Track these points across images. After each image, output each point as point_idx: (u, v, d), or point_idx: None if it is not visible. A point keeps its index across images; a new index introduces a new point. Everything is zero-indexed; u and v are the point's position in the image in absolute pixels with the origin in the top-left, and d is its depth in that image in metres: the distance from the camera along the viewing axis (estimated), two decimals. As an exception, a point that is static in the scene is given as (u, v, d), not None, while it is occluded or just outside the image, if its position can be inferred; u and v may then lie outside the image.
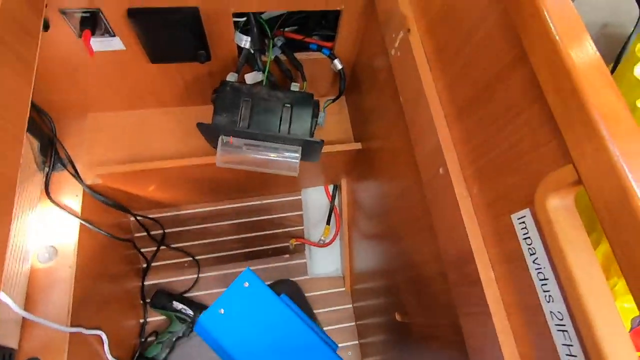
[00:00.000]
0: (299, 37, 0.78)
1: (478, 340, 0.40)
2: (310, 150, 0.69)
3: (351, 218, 1.08)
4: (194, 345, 1.05)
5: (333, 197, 1.12)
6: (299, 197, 1.16)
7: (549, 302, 0.31)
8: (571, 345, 0.29)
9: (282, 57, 0.77)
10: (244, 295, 0.58)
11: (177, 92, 0.84)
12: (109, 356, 0.83)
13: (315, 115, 0.69)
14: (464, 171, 0.42)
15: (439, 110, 0.45)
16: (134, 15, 0.60)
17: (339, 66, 0.79)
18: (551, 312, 0.31)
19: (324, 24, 0.79)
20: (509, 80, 0.34)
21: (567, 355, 0.29)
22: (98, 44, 0.66)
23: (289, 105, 0.68)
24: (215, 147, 0.76)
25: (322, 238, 1.09)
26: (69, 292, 0.71)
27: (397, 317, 0.73)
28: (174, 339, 1.02)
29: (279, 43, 0.76)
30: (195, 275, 1.11)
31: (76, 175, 0.77)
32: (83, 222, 0.77)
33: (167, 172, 0.82)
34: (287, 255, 1.18)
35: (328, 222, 1.11)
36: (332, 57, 0.78)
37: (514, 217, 0.34)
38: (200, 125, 0.65)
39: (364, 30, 0.72)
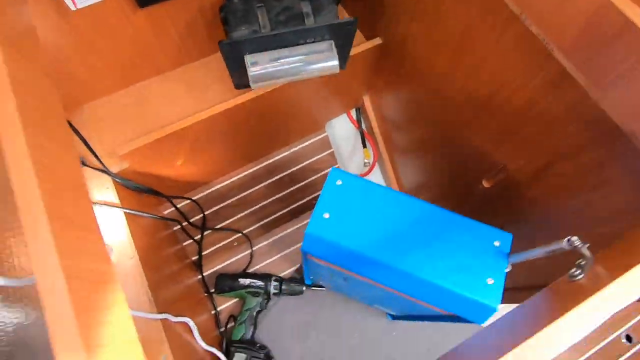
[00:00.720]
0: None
1: (634, 100, 0.36)
2: (344, 37, 0.62)
3: (386, 136, 1.03)
4: (277, 313, 1.00)
5: (359, 122, 1.06)
6: (325, 134, 1.10)
7: None
8: None
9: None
10: (342, 193, 0.52)
11: (171, 48, 0.76)
12: (202, 343, 0.77)
13: (337, 1, 0.62)
14: None
15: None
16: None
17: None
18: None
19: None
20: None
21: None
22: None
23: (306, -3, 0.61)
24: (238, 82, 0.69)
25: (366, 161, 1.03)
26: (141, 281, 0.64)
27: (485, 184, 0.69)
28: (254, 314, 0.96)
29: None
30: (249, 250, 1.05)
31: (102, 165, 0.69)
32: (127, 211, 0.69)
33: (192, 133, 0.75)
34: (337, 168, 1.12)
35: (364, 146, 1.05)
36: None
37: None
38: (222, 43, 0.58)
39: None
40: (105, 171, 0.69)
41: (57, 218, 0.27)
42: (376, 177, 1.11)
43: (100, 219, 0.68)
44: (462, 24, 0.55)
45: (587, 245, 0.31)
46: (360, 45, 0.80)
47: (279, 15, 0.60)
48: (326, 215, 0.51)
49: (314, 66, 0.63)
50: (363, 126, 1.08)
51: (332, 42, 0.62)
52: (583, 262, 0.31)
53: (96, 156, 0.68)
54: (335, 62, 0.63)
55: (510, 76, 0.51)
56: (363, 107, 1.05)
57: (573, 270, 0.32)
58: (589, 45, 0.38)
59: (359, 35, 0.86)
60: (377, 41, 0.80)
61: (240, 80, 0.68)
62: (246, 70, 0.62)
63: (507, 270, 0.47)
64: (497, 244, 0.49)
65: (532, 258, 0.41)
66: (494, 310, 0.47)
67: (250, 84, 0.62)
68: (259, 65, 0.61)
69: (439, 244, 0.49)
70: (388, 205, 0.51)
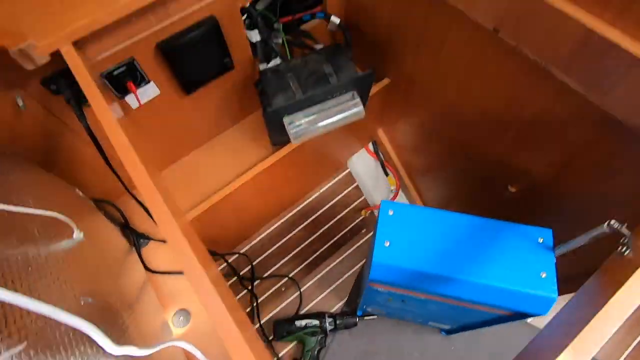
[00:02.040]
0: (289, 18, 0.82)
1: (632, 100, 0.44)
2: (364, 86, 0.72)
3: (404, 161, 1.11)
4: (337, 348, 1.03)
5: (377, 153, 1.15)
6: (347, 170, 1.18)
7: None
8: None
9: (289, 37, 0.82)
10: (396, 221, 0.59)
11: (210, 120, 0.86)
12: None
13: (351, 57, 0.73)
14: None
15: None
16: (163, 46, 0.63)
17: (337, 20, 0.83)
18: None
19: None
20: None
21: None
22: (138, 96, 0.68)
23: (326, 60, 0.71)
24: (276, 141, 0.79)
25: (392, 188, 1.11)
26: (217, 340, 0.69)
27: (512, 188, 0.75)
28: (316, 354, 1.00)
29: (281, 27, 0.80)
30: (297, 292, 1.10)
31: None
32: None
33: (238, 194, 0.83)
34: (364, 230, 1.19)
35: (386, 174, 1.13)
36: (327, 16, 0.83)
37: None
38: (266, 112, 0.67)
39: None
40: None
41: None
42: (402, 201, 1.18)
43: (171, 287, 0.74)
44: (466, 58, 0.65)
45: (625, 224, 0.38)
46: (372, 88, 0.90)
47: (308, 79, 0.70)
48: (387, 244, 0.57)
49: (343, 115, 0.72)
50: (381, 156, 1.16)
51: (354, 92, 0.72)
52: (626, 240, 0.37)
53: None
54: (361, 108, 0.72)
55: (518, 92, 0.60)
56: (378, 139, 1.14)
57: (620, 248, 0.38)
58: (582, 63, 0.46)
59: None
60: (386, 81, 0.90)
61: (279, 139, 0.78)
62: (285, 130, 0.71)
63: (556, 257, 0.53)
64: (540, 240, 0.55)
65: (576, 247, 0.48)
66: (553, 300, 0.53)
67: (292, 140, 0.70)
68: (296, 123, 0.70)
69: (492, 251, 0.55)
70: (438, 224, 0.58)
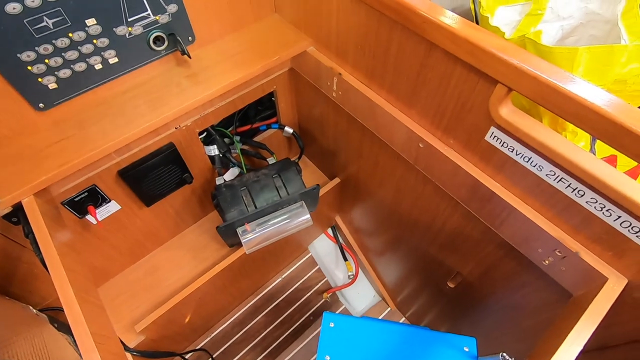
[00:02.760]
0: (247, 127, 0.92)
1: (519, 235, 0.53)
2: (311, 198, 0.80)
3: (361, 244, 1.18)
4: None
5: (336, 237, 1.22)
6: (309, 254, 1.23)
7: (540, 170, 0.45)
8: (582, 194, 0.43)
9: (246, 147, 0.90)
10: (338, 334, 0.64)
11: (170, 223, 0.91)
12: None
13: (299, 172, 0.81)
14: (436, 135, 0.57)
15: (392, 109, 0.61)
16: (124, 174, 0.69)
17: (290, 130, 0.94)
18: (546, 174, 0.45)
19: (260, 109, 0.95)
20: (431, 61, 0.50)
21: (586, 202, 0.43)
22: (98, 215, 0.73)
23: (276, 175, 0.79)
24: (232, 244, 0.84)
25: (349, 274, 1.16)
26: None
27: (450, 284, 0.82)
28: None
29: (237, 139, 0.89)
30: (261, 382, 1.10)
31: (124, 346, 0.77)
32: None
33: (198, 293, 0.86)
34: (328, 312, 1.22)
35: (345, 259, 1.19)
36: (281, 127, 0.93)
37: (487, 137, 0.49)
38: (219, 228, 0.73)
39: (296, 96, 0.89)
40: (127, 349, 0.77)
41: None
42: (362, 281, 1.23)
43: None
44: (396, 175, 0.74)
45: (513, 358, 0.44)
46: (326, 186, 0.99)
47: (259, 193, 0.77)
48: (327, 358, 0.62)
49: (292, 223, 0.79)
50: (340, 240, 1.23)
51: (302, 202, 0.79)
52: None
53: (122, 342, 0.77)
54: (308, 217, 0.79)
55: (439, 210, 0.69)
56: (336, 224, 1.22)
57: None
58: (477, 202, 0.56)
59: (323, 176, 1.06)
60: (337, 180, 0.99)
61: (234, 242, 0.83)
62: (238, 237, 0.77)
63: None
64: (466, 349, 0.61)
65: (492, 362, 0.54)
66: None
67: (245, 250, 0.76)
68: (248, 233, 0.76)
69: (422, 361, 0.60)
70: (375, 335, 0.63)
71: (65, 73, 0.60)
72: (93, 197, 0.69)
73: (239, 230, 0.76)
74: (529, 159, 0.46)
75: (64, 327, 0.82)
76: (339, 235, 1.23)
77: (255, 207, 0.76)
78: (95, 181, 0.67)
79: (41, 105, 0.61)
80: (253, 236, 0.76)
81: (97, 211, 0.71)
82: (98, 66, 0.63)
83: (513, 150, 0.47)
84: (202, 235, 0.96)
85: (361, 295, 1.21)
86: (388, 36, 0.54)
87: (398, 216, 0.85)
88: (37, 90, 0.59)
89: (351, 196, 1.02)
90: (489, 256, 0.64)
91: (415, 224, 0.80)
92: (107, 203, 0.72)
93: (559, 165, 0.43)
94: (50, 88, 0.60)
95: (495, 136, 0.48)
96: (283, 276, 1.21)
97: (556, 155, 0.42)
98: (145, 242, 0.89)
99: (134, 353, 0.79)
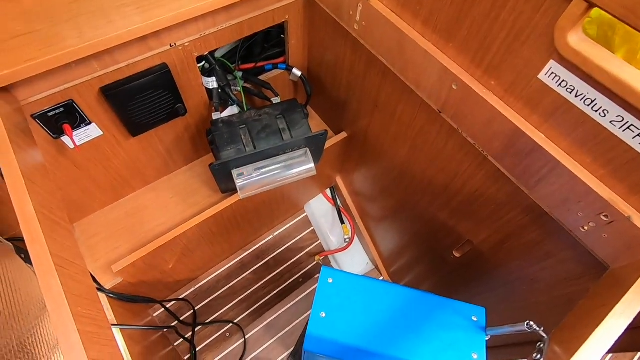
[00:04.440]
0: (251, 65, 0.83)
1: (557, 196, 0.46)
2: (316, 145, 0.72)
3: (360, 208, 1.12)
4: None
5: (334, 199, 1.15)
6: (305, 214, 1.17)
7: (604, 116, 0.38)
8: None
9: (248, 86, 0.81)
10: (336, 291, 0.58)
11: (159, 162, 0.83)
12: None
13: (306, 115, 0.73)
14: (475, 75, 0.49)
15: (426, 43, 0.52)
16: (108, 92, 0.60)
17: (299, 73, 0.85)
18: (611, 121, 0.38)
19: (267, 47, 0.85)
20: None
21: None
22: (75, 138, 0.64)
23: (280, 116, 0.71)
24: (225, 189, 0.77)
25: (345, 237, 1.10)
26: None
27: (456, 254, 0.77)
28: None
29: (239, 74, 0.80)
30: (242, 339, 1.06)
31: (98, 285, 0.71)
32: (122, 327, 0.71)
33: (184, 239, 0.80)
34: (317, 276, 1.17)
35: (342, 222, 1.13)
36: (289, 68, 0.84)
37: (542, 75, 0.41)
38: (213, 166, 0.65)
39: (309, 32, 0.79)
40: (101, 289, 0.71)
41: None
42: (357, 247, 1.18)
43: (97, 343, 0.69)
44: (415, 129, 0.67)
45: (542, 328, 0.38)
46: (330, 140, 0.90)
47: (260, 133, 0.69)
48: (323, 315, 0.56)
49: (294, 171, 0.71)
50: (339, 202, 1.16)
51: (307, 149, 0.72)
52: (542, 345, 0.38)
53: (94, 279, 0.71)
54: (312, 165, 0.72)
55: (460, 169, 0.62)
56: (336, 185, 1.15)
57: (534, 354, 0.38)
58: (512, 156, 0.49)
59: (328, 131, 0.98)
60: (343, 135, 0.91)
61: (227, 187, 0.76)
62: (233, 180, 0.69)
63: (487, 339, 0.54)
64: (474, 318, 0.56)
65: (504, 334, 0.48)
66: (484, 382, 0.52)
67: (239, 194, 0.69)
68: (244, 177, 0.69)
69: (426, 327, 0.55)
70: (375, 295, 0.57)
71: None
72: (71, 115, 0.60)
73: (234, 172, 0.69)
74: (592, 101, 0.38)
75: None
76: (337, 198, 1.17)
77: (254, 147, 0.68)
78: (72, 96, 0.58)
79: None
80: (249, 181, 0.69)
81: (74, 132, 0.63)
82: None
83: (573, 90, 0.39)
84: (193, 179, 0.88)
85: (354, 262, 1.16)
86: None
87: (409, 178, 0.78)
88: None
89: (357, 155, 0.94)
90: (511, 222, 0.57)
91: (427, 186, 0.73)
92: (86, 125, 0.64)
93: (634, 108, 0.35)
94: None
95: (553, 73, 0.40)
96: (275, 234, 1.15)
97: (633, 95, 0.34)
98: (129, 178, 0.81)
99: (110, 295, 0.73)
